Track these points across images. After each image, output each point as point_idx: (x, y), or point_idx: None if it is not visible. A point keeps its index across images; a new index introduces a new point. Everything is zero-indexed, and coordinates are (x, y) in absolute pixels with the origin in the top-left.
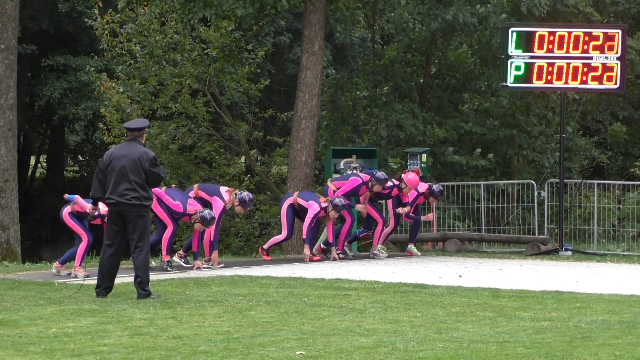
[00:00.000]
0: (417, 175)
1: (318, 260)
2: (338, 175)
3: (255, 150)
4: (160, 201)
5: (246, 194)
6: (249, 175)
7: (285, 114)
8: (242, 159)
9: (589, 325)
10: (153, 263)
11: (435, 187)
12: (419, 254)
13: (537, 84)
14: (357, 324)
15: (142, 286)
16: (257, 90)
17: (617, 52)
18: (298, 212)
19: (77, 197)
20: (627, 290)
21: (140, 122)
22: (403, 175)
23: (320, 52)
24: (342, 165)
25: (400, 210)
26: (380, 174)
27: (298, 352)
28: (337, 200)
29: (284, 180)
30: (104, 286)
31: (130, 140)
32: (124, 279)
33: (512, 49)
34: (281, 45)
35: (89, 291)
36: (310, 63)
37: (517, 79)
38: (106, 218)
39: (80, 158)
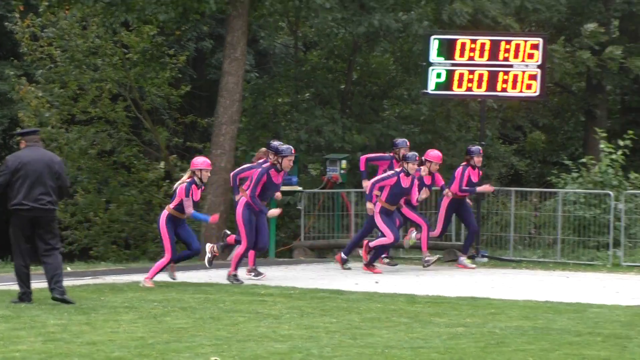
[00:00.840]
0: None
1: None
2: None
3: (175, 155)
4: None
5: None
6: (167, 181)
7: (206, 119)
8: (162, 164)
9: (503, 331)
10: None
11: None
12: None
13: (457, 91)
14: (273, 330)
15: (60, 284)
16: (178, 96)
17: (537, 61)
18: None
19: None
20: (542, 297)
21: (31, 128)
22: (425, 157)
23: (242, 57)
24: None
25: (422, 195)
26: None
27: (212, 358)
28: None
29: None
30: (30, 291)
31: (34, 145)
32: (37, 284)
33: (433, 57)
34: (203, 51)
35: (2, 296)
36: (232, 69)
37: (438, 86)
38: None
39: None
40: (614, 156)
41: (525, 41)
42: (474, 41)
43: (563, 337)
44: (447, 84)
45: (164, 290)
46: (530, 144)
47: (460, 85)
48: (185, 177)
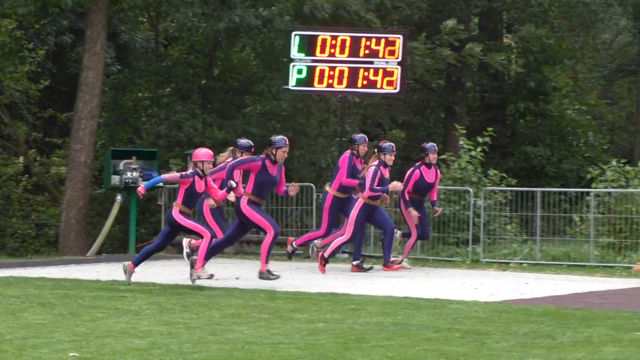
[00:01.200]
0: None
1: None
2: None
3: (34, 150)
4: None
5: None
6: (27, 176)
7: (65, 114)
8: (21, 159)
9: (362, 326)
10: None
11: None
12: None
13: (318, 87)
14: (132, 326)
15: None
16: (37, 90)
17: (398, 57)
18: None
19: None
20: (401, 293)
21: None
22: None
23: (102, 52)
24: (121, 167)
25: (395, 185)
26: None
27: (71, 354)
28: None
29: (62, 181)
30: None
31: None
32: None
33: (294, 52)
34: (63, 45)
35: None
36: (91, 63)
37: (299, 82)
38: None
39: None
40: (473, 153)
41: (386, 38)
42: (334, 37)
43: (422, 333)
44: (308, 80)
45: (22, 285)
46: (390, 140)
47: (321, 82)
48: (189, 170)
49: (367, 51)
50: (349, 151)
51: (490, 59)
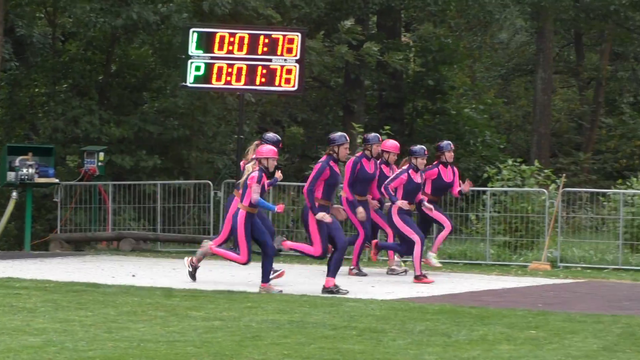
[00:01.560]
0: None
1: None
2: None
3: None
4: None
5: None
6: None
7: None
8: None
9: (259, 324)
10: None
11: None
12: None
13: (216, 84)
14: (27, 324)
15: None
16: None
17: (296, 55)
18: None
19: None
20: (298, 290)
21: None
22: (382, 148)
23: None
24: (17, 163)
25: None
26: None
27: None
28: None
29: None
30: None
31: None
32: None
33: (192, 49)
34: None
35: None
36: None
37: (197, 79)
38: None
39: None
40: None
41: (284, 36)
42: (233, 34)
43: (318, 331)
44: (206, 77)
45: None
46: (289, 138)
47: (219, 79)
48: (252, 168)
49: (265, 49)
50: (359, 154)
51: (388, 58)
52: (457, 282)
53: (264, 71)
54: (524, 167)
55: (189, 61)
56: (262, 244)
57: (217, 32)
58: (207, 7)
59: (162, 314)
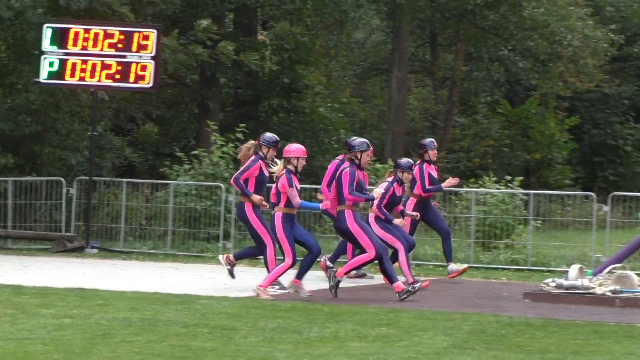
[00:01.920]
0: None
1: None
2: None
3: None
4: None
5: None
6: None
7: None
8: None
9: (110, 322)
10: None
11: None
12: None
13: (70, 80)
14: None
15: None
16: None
17: (151, 52)
18: None
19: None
20: (150, 288)
21: None
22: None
23: None
24: None
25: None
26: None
27: None
28: None
29: None
30: None
31: None
32: None
33: (46, 45)
34: None
35: None
36: None
37: (51, 75)
38: None
39: None
40: (225, 149)
41: (139, 32)
42: (87, 30)
43: (170, 329)
44: (60, 73)
45: None
46: (143, 135)
47: (73, 75)
48: (280, 168)
49: (120, 45)
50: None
51: (244, 58)
52: (316, 280)
53: (119, 67)
54: (378, 165)
55: (43, 57)
56: (306, 245)
57: (72, 28)
58: (63, 2)
59: (11, 312)
